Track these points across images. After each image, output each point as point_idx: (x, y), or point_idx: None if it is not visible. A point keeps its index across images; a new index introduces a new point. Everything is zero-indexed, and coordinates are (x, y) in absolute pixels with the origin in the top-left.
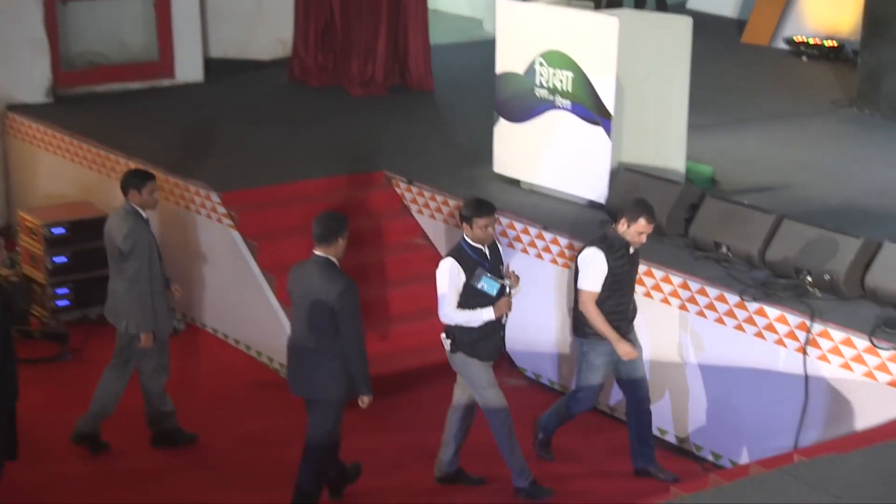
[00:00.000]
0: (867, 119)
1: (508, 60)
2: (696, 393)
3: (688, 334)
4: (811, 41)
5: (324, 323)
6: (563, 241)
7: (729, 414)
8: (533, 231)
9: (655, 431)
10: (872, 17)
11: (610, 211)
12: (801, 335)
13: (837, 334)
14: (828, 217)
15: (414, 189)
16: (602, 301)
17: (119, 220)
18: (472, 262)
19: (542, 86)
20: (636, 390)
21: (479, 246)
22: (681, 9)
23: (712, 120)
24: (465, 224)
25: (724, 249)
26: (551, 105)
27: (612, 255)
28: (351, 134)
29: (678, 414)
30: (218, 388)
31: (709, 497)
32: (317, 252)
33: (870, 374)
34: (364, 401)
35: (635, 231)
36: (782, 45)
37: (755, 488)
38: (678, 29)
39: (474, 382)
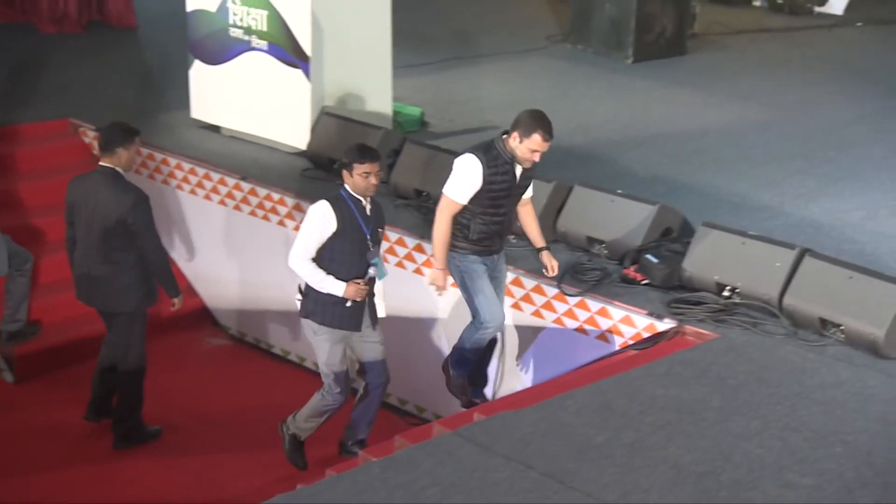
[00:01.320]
0: (580, 54)
1: None
2: (401, 349)
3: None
4: None
5: (116, 235)
6: (262, 192)
7: (430, 367)
8: (230, 181)
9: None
10: None
11: (312, 158)
12: None
13: (529, 282)
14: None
15: None
16: (473, 216)
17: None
18: (350, 214)
19: (236, 25)
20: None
21: (360, 198)
22: None
23: (426, 59)
24: (344, 171)
25: (425, 194)
26: (247, 46)
27: (492, 170)
28: (37, 77)
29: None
30: None
31: (363, 474)
32: (102, 163)
33: (559, 321)
34: (175, 303)
35: (527, 148)
36: None
37: (425, 455)
38: None
39: (319, 357)
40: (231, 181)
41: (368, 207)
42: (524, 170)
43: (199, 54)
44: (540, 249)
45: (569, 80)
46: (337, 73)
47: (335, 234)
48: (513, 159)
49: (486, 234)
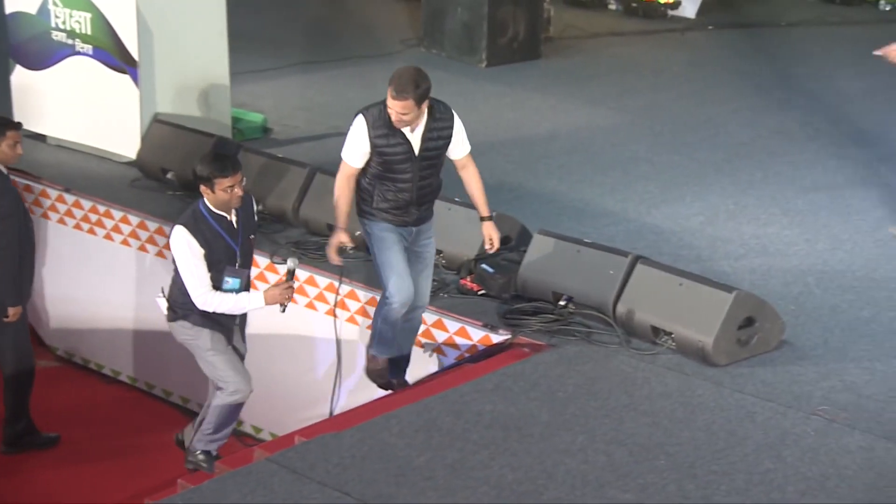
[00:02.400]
0: (434, 58)
1: None
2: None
3: None
4: None
5: None
6: (87, 204)
7: (267, 383)
8: (52, 193)
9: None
10: None
11: (142, 167)
12: (331, 297)
13: (362, 293)
14: None
15: None
16: (375, 182)
17: None
18: (213, 233)
19: (59, 28)
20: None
21: (223, 213)
22: None
23: (274, 64)
24: (203, 186)
25: (259, 207)
26: (71, 50)
27: (378, 131)
28: None
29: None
30: None
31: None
32: None
33: None
34: (10, 312)
35: (390, 108)
36: None
37: (235, 485)
38: None
39: (201, 353)
40: (54, 193)
41: (234, 220)
42: (429, 131)
43: (21, 59)
44: (482, 219)
45: None
46: (169, 78)
47: (204, 257)
48: (390, 120)
49: (392, 201)
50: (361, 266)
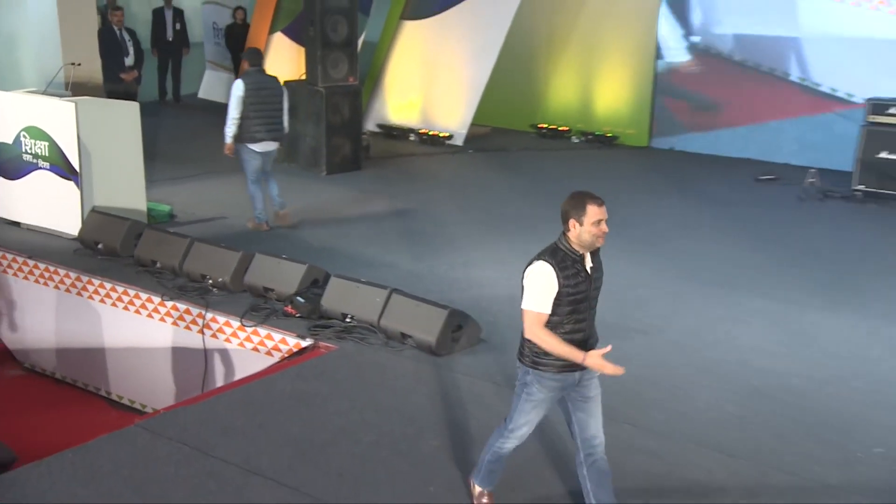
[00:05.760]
0: (293, 169)
1: (1, 133)
2: (147, 369)
3: (129, 327)
4: None
5: None
6: (42, 265)
7: (159, 379)
8: (20, 259)
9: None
10: (288, 102)
11: (82, 242)
12: (200, 321)
13: (221, 318)
14: (233, 239)
15: None
16: (554, 327)
17: None
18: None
19: (27, 152)
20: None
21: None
22: (193, 98)
23: (186, 173)
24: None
25: (157, 265)
26: (36, 167)
27: (564, 272)
28: None
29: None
30: None
31: (56, 461)
32: None
33: (241, 344)
34: None
35: (589, 224)
36: None
37: (110, 442)
38: (128, 111)
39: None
40: (21, 258)
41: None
42: (596, 263)
43: (2, 172)
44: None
45: (283, 186)
46: (101, 182)
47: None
48: (580, 255)
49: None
50: (223, 299)
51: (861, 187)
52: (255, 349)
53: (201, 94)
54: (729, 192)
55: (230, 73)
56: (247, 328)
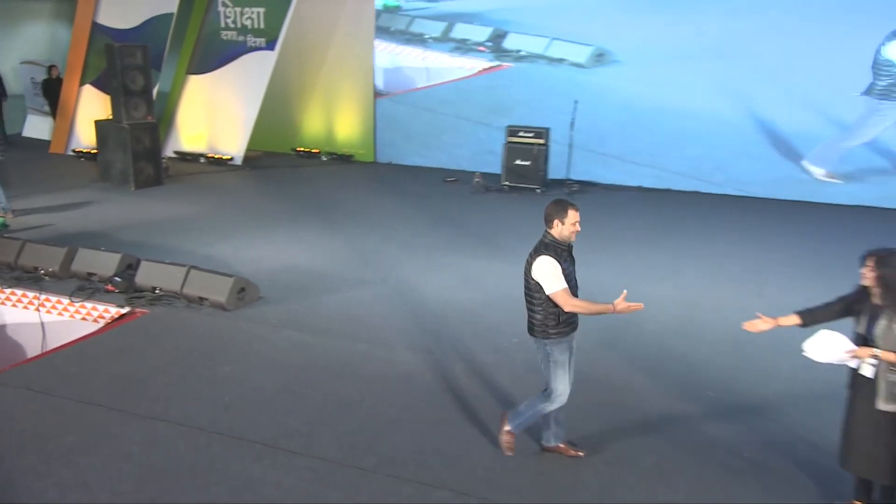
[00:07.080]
0: (107, 187)
1: None
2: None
3: None
4: (84, 150)
5: None
6: None
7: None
8: None
9: None
10: (100, 136)
11: None
12: (35, 301)
13: (53, 297)
14: (59, 239)
15: None
16: (556, 307)
17: None
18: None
19: None
20: None
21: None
22: (18, 136)
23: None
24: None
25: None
26: None
27: (561, 260)
28: None
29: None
30: None
31: None
32: None
33: (72, 316)
34: None
35: (570, 224)
36: (71, 153)
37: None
38: None
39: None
40: None
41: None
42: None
43: None
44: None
45: (98, 199)
46: None
47: None
48: (568, 245)
49: (567, 327)
50: (54, 284)
51: (507, 183)
52: (84, 318)
53: (25, 133)
54: (425, 189)
55: (49, 115)
56: (75, 303)
